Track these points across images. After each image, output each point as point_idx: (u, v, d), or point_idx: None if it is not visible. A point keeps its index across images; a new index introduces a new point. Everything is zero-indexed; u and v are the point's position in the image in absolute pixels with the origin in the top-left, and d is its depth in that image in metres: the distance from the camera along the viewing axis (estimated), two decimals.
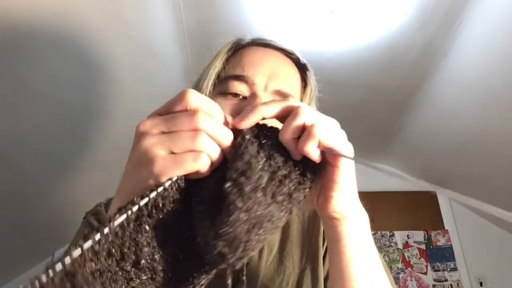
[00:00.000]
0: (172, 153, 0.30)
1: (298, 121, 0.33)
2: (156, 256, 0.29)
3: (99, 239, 0.25)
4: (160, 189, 0.29)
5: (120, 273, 0.27)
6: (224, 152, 0.33)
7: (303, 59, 0.61)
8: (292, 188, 0.32)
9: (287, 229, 0.59)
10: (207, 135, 0.31)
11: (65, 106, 1.18)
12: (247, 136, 0.33)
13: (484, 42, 1.30)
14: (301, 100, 0.59)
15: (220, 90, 0.54)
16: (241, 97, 0.53)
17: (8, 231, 1.51)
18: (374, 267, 0.40)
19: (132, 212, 0.27)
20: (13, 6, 0.85)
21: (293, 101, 0.36)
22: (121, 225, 0.27)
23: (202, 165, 0.31)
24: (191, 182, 0.32)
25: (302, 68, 0.61)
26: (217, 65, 0.57)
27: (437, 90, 1.64)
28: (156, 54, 1.28)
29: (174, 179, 0.30)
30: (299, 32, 1.35)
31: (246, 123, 0.34)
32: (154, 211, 0.29)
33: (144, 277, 0.28)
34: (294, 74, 0.59)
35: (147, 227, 0.28)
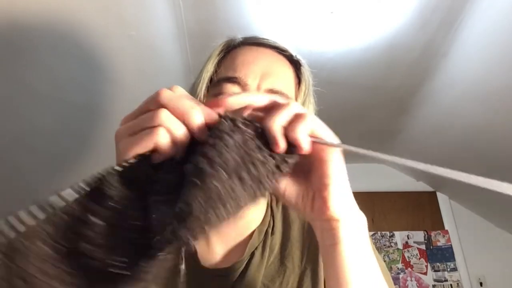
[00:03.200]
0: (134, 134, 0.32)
1: (290, 110, 0.33)
2: (99, 241, 0.28)
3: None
4: (113, 169, 0.29)
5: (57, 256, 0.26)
6: (194, 134, 0.32)
7: (296, 56, 0.60)
8: (264, 172, 0.31)
9: (288, 230, 0.59)
10: (167, 111, 0.31)
11: (65, 106, 1.18)
12: (223, 120, 0.32)
13: (484, 42, 1.30)
14: (296, 96, 0.59)
15: (214, 93, 0.54)
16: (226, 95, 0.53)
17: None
18: (372, 271, 0.38)
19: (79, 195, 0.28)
20: (13, 6, 0.85)
21: (283, 99, 0.36)
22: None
23: (159, 139, 0.30)
24: (157, 168, 0.31)
25: (295, 65, 0.60)
26: (210, 68, 0.56)
27: (437, 90, 1.64)
28: (156, 54, 1.28)
29: (130, 160, 0.30)
30: (299, 32, 1.35)
31: (232, 101, 0.33)
32: (103, 192, 0.29)
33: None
34: (287, 71, 0.58)
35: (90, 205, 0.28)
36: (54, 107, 1.17)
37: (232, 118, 0.32)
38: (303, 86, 0.59)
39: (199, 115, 0.32)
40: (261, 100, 0.35)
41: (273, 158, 0.32)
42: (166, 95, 0.32)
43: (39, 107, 1.13)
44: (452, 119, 1.73)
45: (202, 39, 1.35)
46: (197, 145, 0.32)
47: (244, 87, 0.52)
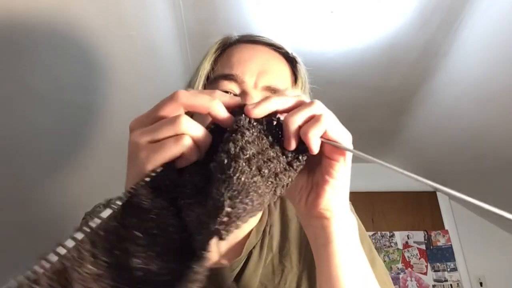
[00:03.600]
0: (157, 141, 0.31)
1: (310, 110, 0.33)
2: (146, 254, 0.29)
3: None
4: (144, 181, 0.29)
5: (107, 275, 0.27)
6: (222, 123, 0.33)
7: (292, 53, 0.60)
8: (279, 169, 0.32)
9: (286, 229, 0.59)
10: (187, 117, 0.31)
11: (65, 106, 1.18)
12: (243, 117, 0.33)
13: (484, 42, 1.30)
14: None
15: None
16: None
17: (7, 230, 1.51)
18: (364, 272, 0.38)
19: (116, 209, 0.28)
20: (13, 6, 0.85)
21: (307, 98, 0.36)
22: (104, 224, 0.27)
23: (184, 146, 0.30)
24: (180, 172, 0.32)
25: (291, 62, 0.60)
26: (206, 66, 0.57)
27: (437, 90, 1.64)
28: (156, 54, 1.28)
29: (159, 170, 0.30)
30: (299, 32, 1.35)
31: (258, 111, 0.33)
32: (141, 205, 0.29)
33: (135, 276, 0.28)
34: (283, 68, 0.58)
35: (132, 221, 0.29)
36: (54, 107, 1.17)
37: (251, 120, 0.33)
38: (299, 83, 0.60)
39: (220, 105, 0.32)
40: (287, 103, 0.35)
41: (285, 155, 0.33)
42: (183, 94, 0.32)
43: (39, 107, 1.13)
44: (452, 119, 1.73)
45: (202, 39, 1.35)
46: (215, 144, 0.33)
47: (241, 84, 0.52)
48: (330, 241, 0.36)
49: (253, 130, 0.32)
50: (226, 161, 0.29)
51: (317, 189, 0.36)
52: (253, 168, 0.30)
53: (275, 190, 0.33)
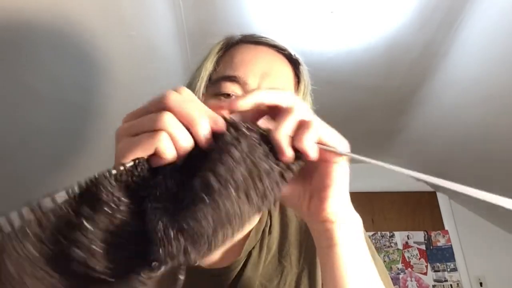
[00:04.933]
0: (135, 135, 0.30)
1: (295, 116, 0.32)
2: (96, 248, 0.27)
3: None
4: (109, 172, 0.28)
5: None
6: (199, 143, 0.31)
7: (295, 55, 0.60)
8: (269, 188, 0.30)
9: (285, 229, 0.58)
10: (171, 115, 0.30)
11: (65, 106, 1.18)
12: (231, 128, 0.31)
13: (484, 41, 1.30)
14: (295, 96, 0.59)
15: (213, 91, 0.53)
16: (234, 97, 0.52)
17: None
18: (369, 273, 0.38)
19: (69, 198, 0.27)
20: (13, 6, 0.85)
21: (290, 93, 0.35)
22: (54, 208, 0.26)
23: (159, 142, 0.29)
24: (155, 173, 0.30)
25: (294, 64, 0.60)
26: (208, 67, 0.56)
27: (437, 89, 1.64)
28: (156, 54, 1.28)
29: (128, 164, 0.29)
30: (299, 32, 1.35)
31: (241, 103, 0.32)
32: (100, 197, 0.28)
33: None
34: (286, 70, 0.58)
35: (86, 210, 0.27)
36: (54, 107, 1.17)
37: (236, 125, 0.31)
38: (302, 86, 0.59)
39: (206, 124, 0.31)
40: (270, 97, 0.34)
41: (278, 165, 0.31)
42: (173, 98, 0.31)
43: (39, 107, 1.13)
44: (452, 119, 1.73)
45: (202, 39, 1.35)
46: (199, 152, 0.31)
47: (243, 86, 0.52)
48: (334, 244, 0.36)
49: (242, 142, 0.30)
50: (212, 183, 0.27)
51: (319, 195, 0.36)
52: (241, 193, 0.28)
53: (259, 209, 0.30)
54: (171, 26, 1.26)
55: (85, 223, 0.27)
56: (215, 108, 0.33)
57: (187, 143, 0.30)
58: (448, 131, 1.82)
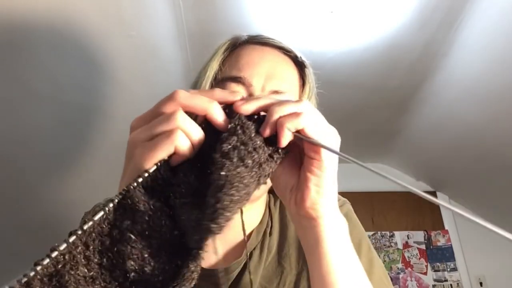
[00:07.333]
0: (152, 139, 0.31)
1: (295, 107, 0.34)
2: (142, 255, 0.29)
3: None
4: (140, 179, 0.29)
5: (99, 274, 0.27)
6: (219, 127, 0.33)
7: (301, 57, 0.60)
8: (263, 159, 0.33)
9: (285, 230, 0.59)
10: (183, 113, 0.31)
11: (65, 106, 1.18)
12: (234, 123, 0.33)
13: (484, 42, 1.30)
14: (300, 98, 0.58)
15: None
16: (241, 96, 0.52)
17: (7, 230, 1.51)
18: (356, 271, 0.38)
19: (108, 211, 0.28)
20: (13, 6, 0.85)
21: (306, 103, 0.36)
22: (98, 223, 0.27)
23: (177, 141, 0.30)
24: (174, 171, 0.32)
25: (300, 66, 0.60)
26: (214, 66, 0.56)
27: (437, 89, 1.64)
28: (156, 54, 1.28)
29: (152, 169, 0.30)
30: (299, 32, 1.35)
31: (246, 107, 0.34)
32: (135, 205, 0.29)
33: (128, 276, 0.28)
34: (291, 73, 0.58)
35: (126, 223, 0.29)
36: (54, 107, 1.17)
37: (239, 115, 0.34)
38: (307, 88, 0.59)
39: (218, 108, 0.33)
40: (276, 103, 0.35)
41: (266, 146, 0.34)
42: (181, 94, 0.32)
43: (39, 107, 1.13)
44: (452, 119, 1.73)
45: (202, 39, 1.35)
46: (207, 143, 0.33)
47: (248, 87, 0.52)
48: (319, 242, 0.36)
49: (239, 121, 0.33)
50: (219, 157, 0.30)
51: (302, 187, 0.36)
52: (235, 160, 0.30)
53: (258, 179, 0.33)
54: (171, 26, 1.26)
55: (130, 235, 0.28)
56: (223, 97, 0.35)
57: (199, 135, 0.32)
58: (448, 131, 1.82)
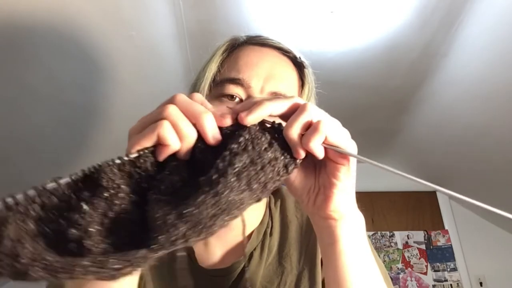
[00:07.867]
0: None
1: (306, 117, 0.33)
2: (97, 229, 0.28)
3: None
4: (113, 161, 0.30)
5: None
6: (206, 138, 0.32)
7: (300, 57, 0.59)
8: (269, 177, 0.32)
9: (286, 230, 0.59)
10: (176, 108, 0.32)
11: (65, 106, 1.18)
12: (244, 129, 0.32)
13: (484, 41, 1.30)
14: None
15: (217, 93, 0.53)
16: (237, 99, 0.52)
17: None
18: (371, 270, 0.39)
19: (72, 180, 0.28)
20: (13, 6, 0.85)
21: (299, 99, 0.36)
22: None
23: (162, 131, 0.30)
24: (163, 168, 0.32)
25: (299, 67, 0.59)
26: (213, 68, 0.56)
27: (437, 89, 1.64)
28: (156, 54, 1.28)
29: (133, 155, 0.30)
30: (299, 32, 1.35)
31: (252, 118, 0.33)
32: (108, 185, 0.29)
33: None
34: (291, 73, 0.57)
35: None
36: (54, 107, 1.17)
37: (249, 129, 0.33)
38: (306, 89, 0.59)
39: (211, 120, 0.32)
40: (281, 108, 0.35)
41: (283, 156, 0.33)
42: (180, 98, 0.33)
43: (39, 107, 1.13)
44: (452, 119, 1.73)
45: (202, 39, 1.35)
46: (206, 151, 0.32)
47: (247, 89, 0.52)
48: (336, 241, 0.37)
49: (246, 135, 0.32)
50: (217, 179, 0.29)
51: (325, 192, 0.36)
52: (243, 183, 0.30)
53: (258, 198, 0.32)
54: (171, 26, 1.26)
55: (83, 205, 0.28)
56: (222, 116, 0.34)
57: (190, 134, 0.32)
58: (448, 131, 1.82)
